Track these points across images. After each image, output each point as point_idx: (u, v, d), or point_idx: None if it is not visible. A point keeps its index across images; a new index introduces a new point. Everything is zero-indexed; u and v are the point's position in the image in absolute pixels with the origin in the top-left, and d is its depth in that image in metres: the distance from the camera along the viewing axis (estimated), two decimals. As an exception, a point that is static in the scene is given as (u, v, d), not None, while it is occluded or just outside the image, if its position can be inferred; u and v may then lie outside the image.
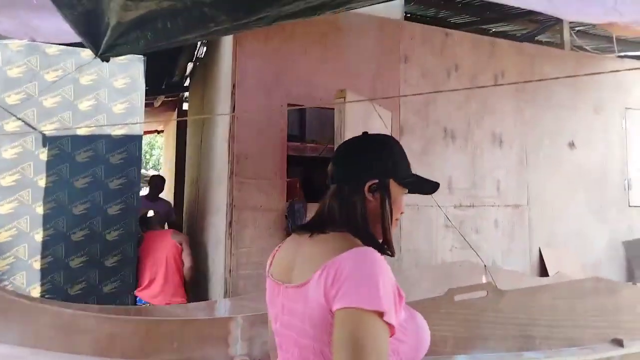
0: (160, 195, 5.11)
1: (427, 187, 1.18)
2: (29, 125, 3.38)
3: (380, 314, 0.89)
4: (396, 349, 0.99)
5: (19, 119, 3.35)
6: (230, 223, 3.61)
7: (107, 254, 3.61)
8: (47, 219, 3.45)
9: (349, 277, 0.91)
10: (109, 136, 3.67)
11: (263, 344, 1.91)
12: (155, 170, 16.33)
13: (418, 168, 4.50)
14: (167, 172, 8.92)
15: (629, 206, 5.34)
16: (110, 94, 3.67)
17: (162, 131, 10.04)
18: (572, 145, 5.08)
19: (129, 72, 3.73)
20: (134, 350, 1.77)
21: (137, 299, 3.59)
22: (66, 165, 3.55)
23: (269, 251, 3.82)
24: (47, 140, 3.46)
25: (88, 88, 3.63)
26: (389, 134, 3.98)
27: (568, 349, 2.24)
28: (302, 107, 3.92)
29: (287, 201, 3.87)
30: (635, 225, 5.33)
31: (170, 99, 7.05)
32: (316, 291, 0.95)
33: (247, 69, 3.70)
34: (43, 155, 3.47)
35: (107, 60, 1.61)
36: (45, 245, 3.44)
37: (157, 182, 5.05)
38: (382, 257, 0.98)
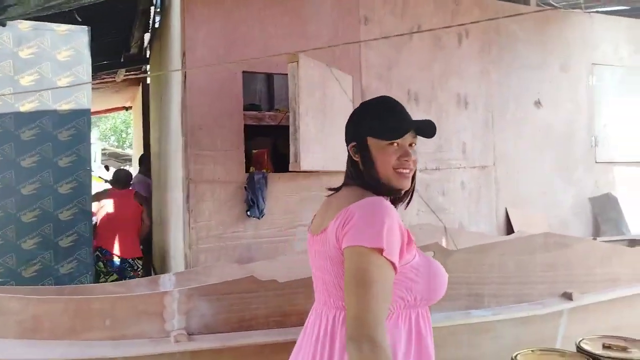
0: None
1: (421, 128, 1.30)
2: (-36, 103, 3.21)
3: (380, 251, 1.08)
4: (410, 287, 1.17)
5: (-47, 96, 3.18)
6: (188, 197, 3.52)
7: (61, 233, 3.50)
8: (-7, 201, 3.32)
9: (356, 221, 1.12)
10: (55, 112, 3.51)
11: (201, 317, 1.86)
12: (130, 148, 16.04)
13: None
14: (137, 149, 8.73)
15: (596, 162, 5.36)
16: (54, 67, 3.49)
17: (130, 107, 9.78)
18: (538, 104, 5.04)
19: (72, 43, 3.54)
20: (63, 330, 1.70)
21: (100, 248, 4.17)
22: (10, 145, 3.39)
23: (230, 224, 3.85)
24: (-14, 119, 3.30)
25: (29, 62, 3.44)
26: (350, 98, 3.89)
27: (517, 306, 2.24)
28: (257, 73, 3.78)
29: (247, 172, 3.78)
30: (601, 181, 5.37)
31: (132, 73, 6.80)
32: (332, 234, 1.17)
33: (197, 36, 3.54)
34: (-16, 134, 3.31)
35: (4, 25, 1.48)
36: (-6, 227, 3.32)
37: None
38: (389, 204, 1.19)
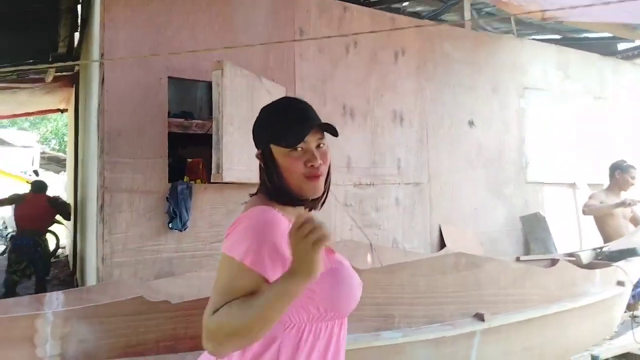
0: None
1: (328, 129, 1.20)
2: None
3: (240, 262, 1.06)
4: (311, 297, 1.11)
5: None
6: (102, 207, 3.29)
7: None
8: None
9: (236, 230, 1.10)
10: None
11: (80, 342, 1.68)
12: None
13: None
14: (71, 153, 8.27)
15: (527, 182, 5.55)
16: (-45, 62, 3.18)
17: (65, 110, 9.27)
18: (471, 123, 5.16)
19: (-23, 37, 3.25)
20: None
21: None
22: None
23: (149, 236, 3.55)
24: None
25: None
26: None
27: (428, 327, 2.19)
28: (182, 79, 3.63)
29: (176, 181, 3.60)
30: (531, 201, 5.55)
31: (63, 73, 6.43)
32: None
33: (117, 39, 3.35)
34: None
35: None
36: None
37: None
38: (274, 213, 1.13)
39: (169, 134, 3.61)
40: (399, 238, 4.62)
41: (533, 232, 5.41)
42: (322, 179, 1.20)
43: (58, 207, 5.38)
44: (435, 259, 2.36)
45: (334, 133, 1.21)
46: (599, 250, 3.55)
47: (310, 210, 1.26)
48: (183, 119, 3.74)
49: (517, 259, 3.54)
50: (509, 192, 5.41)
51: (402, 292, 2.13)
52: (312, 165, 1.16)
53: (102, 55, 3.28)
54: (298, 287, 1.00)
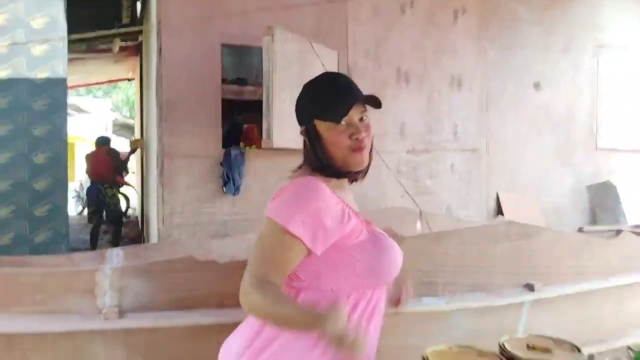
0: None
1: (371, 102, 1.22)
2: None
3: (287, 231, 1.08)
4: (352, 265, 1.14)
5: None
6: (162, 171, 3.47)
7: (36, 202, 3.50)
8: (-33, 169, 3.31)
9: (281, 197, 1.12)
10: (30, 80, 3.45)
11: (135, 295, 1.81)
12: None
13: (369, 112, 4.27)
14: (137, 118, 8.72)
15: (597, 149, 5.17)
16: (28, 34, 3.42)
17: (132, 79, 9.73)
18: (537, 86, 4.85)
19: (46, 10, 3.46)
20: (-9, 302, 1.68)
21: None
22: (-16, 112, 3.37)
23: (205, 199, 3.69)
24: (-42, 85, 3.27)
25: (1, 29, 3.37)
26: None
27: (472, 294, 2.15)
28: (236, 45, 3.67)
29: (230, 147, 3.71)
30: (601, 168, 5.18)
31: (128, 43, 6.71)
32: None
33: (172, 6, 3.43)
34: (-44, 101, 3.29)
35: None
36: (-32, 196, 3.32)
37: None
38: (319, 184, 1.14)
39: (224, 100, 3.70)
40: (453, 206, 4.51)
41: (601, 202, 5.08)
42: (367, 151, 1.21)
43: (113, 156, 5.80)
44: (484, 227, 2.28)
45: (378, 105, 1.21)
46: (674, 222, 3.28)
47: (353, 182, 1.27)
48: (236, 86, 3.80)
49: (580, 230, 3.33)
50: (577, 160, 5.08)
51: (446, 260, 2.10)
52: (356, 138, 1.18)
53: (158, 22, 3.38)
54: (314, 332, 1.00)
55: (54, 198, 3.53)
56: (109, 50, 6.85)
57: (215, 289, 1.87)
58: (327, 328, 0.96)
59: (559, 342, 1.31)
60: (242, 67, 4.57)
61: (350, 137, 1.18)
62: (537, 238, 2.26)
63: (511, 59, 4.69)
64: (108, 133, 14.03)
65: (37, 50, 3.44)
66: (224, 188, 3.60)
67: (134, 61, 8.03)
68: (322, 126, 1.19)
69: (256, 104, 4.08)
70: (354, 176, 1.25)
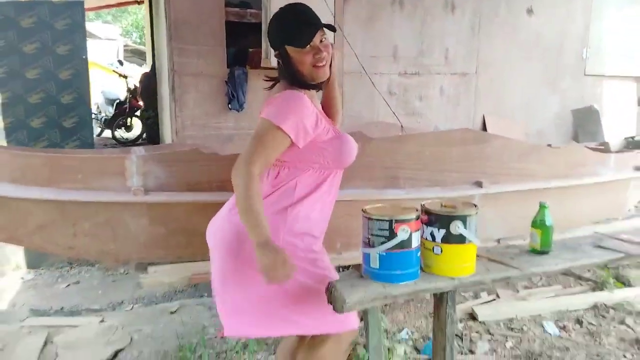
0: None
1: (329, 28, 1.50)
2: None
3: (279, 128, 1.40)
4: (322, 153, 1.52)
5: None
6: (173, 88, 3.88)
7: (64, 115, 3.96)
8: (2, 83, 3.75)
9: (273, 103, 1.44)
10: (50, 2, 3.79)
11: (156, 178, 2.31)
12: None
13: (363, 36, 4.55)
14: (148, 43, 8.94)
15: (585, 75, 5.41)
16: (47, -42, 3.71)
17: (142, 2, 9.81)
18: (530, 11, 5.01)
19: None
20: (43, 179, 2.18)
21: None
22: (13, 32, 3.74)
23: (212, 114, 4.31)
24: (-11, 6, 3.63)
25: (22, -48, 3.66)
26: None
27: (430, 188, 2.61)
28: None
29: (229, 68, 4.07)
30: (588, 94, 5.45)
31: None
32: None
33: None
34: (-12, 21, 3.66)
35: None
36: (6, 107, 3.79)
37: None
38: (302, 96, 1.47)
39: (230, 23, 4.00)
40: (440, 126, 4.88)
41: (584, 125, 5.41)
42: (327, 65, 1.55)
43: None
44: (442, 132, 2.69)
45: (333, 30, 1.55)
46: (631, 139, 3.65)
47: (319, 90, 1.61)
48: (239, 9, 4.08)
49: (548, 145, 3.73)
50: (565, 85, 5.34)
51: (407, 159, 2.53)
52: (319, 57, 1.50)
53: (165, -53, 3.63)
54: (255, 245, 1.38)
55: (79, 111, 3.99)
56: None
57: (217, 176, 2.36)
58: (259, 257, 1.35)
59: (466, 204, 1.76)
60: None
61: (313, 56, 1.48)
62: (488, 144, 2.68)
63: (505, -16, 4.84)
64: (120, 57, 14.21)
65: (56, -28, 3.74)
66: (229, 105, 4.02)
67: (142, -17, 8.13)
68: (291, 50, 1.48)
69: (259, 27, 4.36)
70: (319, 87, 1.57)
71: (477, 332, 2.74)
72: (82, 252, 2.28)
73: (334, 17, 4.02)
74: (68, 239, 2.25)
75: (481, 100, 5.02)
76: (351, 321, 1.68)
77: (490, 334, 2.73)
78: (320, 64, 1.50)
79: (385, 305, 3.05)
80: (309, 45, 1.48)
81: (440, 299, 1.75)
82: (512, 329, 2.79)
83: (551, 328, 2.78)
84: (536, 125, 5.28)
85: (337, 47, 4.10)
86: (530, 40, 5.06)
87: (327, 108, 1.71)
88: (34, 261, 4.02)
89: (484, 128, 5.06)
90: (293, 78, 1.52)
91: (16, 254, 4.01)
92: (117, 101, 8.69)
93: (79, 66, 3.93)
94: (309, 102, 1.49)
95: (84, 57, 3.94)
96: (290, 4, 1.65)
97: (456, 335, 2.69)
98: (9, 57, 3.75)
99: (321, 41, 1.50)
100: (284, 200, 1.54)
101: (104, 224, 2.26)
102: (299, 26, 1.50)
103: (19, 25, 3.73)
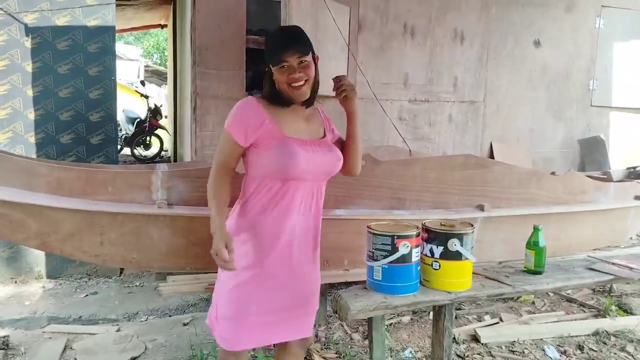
0: None
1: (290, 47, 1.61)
2: (9, 14, 3.82)
3: (225, 128, 1.63)
4: (261, 160, 1.62)
5: (1, 9, 3.79)
6: (194, 109, 4.11)
7: (92, 132, 4.21)
8: (36, 101, 4.02)
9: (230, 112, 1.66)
10: (85, 27, 4.07)
11: (179, 192, 2.50)
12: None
13: (375, 64, 4.78)
14: (170, 65, 9.31)
15: (591, 105, 5.56)
16: (83, -14, 4.01)
17: (165, 26, 10.25)
18: (537, 43, 5.21)
19: (98, -35, 4.02)
20: (78, 191, 2.38)
21: None
22: (49, 53, 4.02)
23: None
24: (29, 30, 3.91)
25: (62, -20, 3.97)
26: (339, 28, 4.20)
27: (434, 210, 2.77)
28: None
29: (247, 91, 4.31)
30: (594, 124, 5.59)
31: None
32: None
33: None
34: (27, 42, 3.94)
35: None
36: (38, 123, 4.05)
37: None
38: (248, 100, 1.65)
39: (248, 49, 4.25)
40: (449, 152, 5.05)
41: (590, 155, 5.53)
42: (306, 87, 1.62)
43: None
44: (445, 157, 2.85)
45: (305, 52, 1.60)
46: (633, 169, 3.77)
47: (307, 107, 1.72)
48: (259, 36, 4.34)
49: (552, 173, 3.87)
50: (571, 115, 5.49)
51: (413, 182, 2.70)
52: (292, 76, 1.58)
53: (192, -21, 3.92)
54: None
55: (106, 129, 4.23)
56: (144, -3, 7.38)
57: (233, 191, 2.54)
58: (214, 244, 1.54)
59: (463, 223, 1.91)
60: (265, 19, 5.07)
61: (288, 75, 1.59)
62: (490, 169, 2.83)
63: (513, 16, 5.04)
64: (140, 78, 14.72)
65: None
66: (246, 126, 4.22)
67: (167, 9, 8.52)
68: (273, 70, 1.62)
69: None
70: (304, 104, 1.67)
71: (478, 354, 2.84)
72: (107, 260, 2.46)
73: (348, 46, 4.25)
74: (95, 247, 2.43)
75: (488, 128, 5.19)
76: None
77: (491, 355, 2.83)
78: (295, 84, 1.59)
79: (390, 324, 3.18)
80: (285, 65, 1.58)
81: (438, 313, 1.89)
82: (513, 352, 2.88)
83: (552, 352, 2.86)
84: (543, 153, 5.41)
85: (351, 74, 4.34)
86: (537, 71, 5.24)
87: (345, 158, 1.77)
88: (55, 271, 4.22)
89: (491, 155, 5.21)
90: (270, 94, 1.65)
91: (38, 264, 4.22)
92: (138, 120, 9.03)
93: (108, 86, 4.18)
94: (254, 107, 1.62)
95: (112, 78, 4.20)
96: (279, 27, 1.81)
97: (458, 356, 2.79)
98: (44, 77, 4.02)
99: (300, 63, 1.59)
100: (241, 200, 1.73)
101: (129, 234, 2.45)
102: (275, 46, 1.62)
103: (55, 48, 4.01)
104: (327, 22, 4.03)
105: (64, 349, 2.96)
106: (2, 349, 2.88)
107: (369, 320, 1.91)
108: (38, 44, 3.98)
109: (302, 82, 1.61)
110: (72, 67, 4.08)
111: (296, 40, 1.63)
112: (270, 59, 1.63)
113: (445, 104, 4.97)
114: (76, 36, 4.06)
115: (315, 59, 1.68)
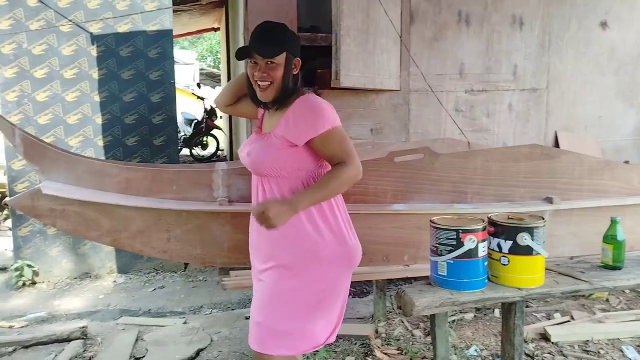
0: None
1: (258, 51, 1.60)
2: (78, 25, 4.05)
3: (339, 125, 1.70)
4: None
5: (70, 20, 4.02)
6: (249, 107, 4.18)
7: (155, 134, 4.39)
8: (103, 106, 4.25)
9: (300, 115, 1.67)
10: (144, 33, 4.25)
11: (238, 190, 2.55)
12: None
13: (428, 55, 4.68)
14: (223, 67, 9.56)
15: (667, 89, 5.14)
16: (143, -7, 4.19)
17: (218, 29, 10.53)
18: (604, 25, 4.88)
19: (156, -27, 4.18)
20: (145, 190, 2.49)
21: None
22: (113, 60, 4.24)
23: None
24: (94, 39, 4.14)
25: (123, -11, 4.17)
26: (391, 20, 4.11)
27: (498, 203, 2.66)
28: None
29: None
30: (670, 109, 5.17)
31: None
32: None
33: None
34: (93, 51, 4.17)
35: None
36: (105, 127, 4.28)
37: None
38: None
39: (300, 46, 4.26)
40: (509, 143, 4.83)
41: (667, 142, 5.12)
42: (270, 90, 1.60)
43: None
44: (508, 148, 2.73)
45: (265, 55, 1.59)
46: None
47: (277, 109, 1.70)
48: (310, 33, 4.34)
49: (625, 162, 3.62)
50: (643, 99, 5.10)
51: (474, 174, 2.60)
52: (255, 74, 1.60)
53: (245, -19, 3.98)
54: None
55: (167, 131, 4.41)
56: (198, 1, 7.61)
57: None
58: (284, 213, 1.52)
59: (532, 216, 1.82)
60: (314, 15, 5.06)
61: (253, 74, 1.60)
62: (558, 159, 2.68)
63: (576, -3, 4.75)
64: (196, 81, 15.25)
65: (149, 6, 4.20)
66: (300, 123, 4.25)
67: (220, 12, 8.75)
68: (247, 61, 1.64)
69: (327, 49, 4.61)
70: (269, 106, 1.67)
71: (549, 354, 2.72)
72: (174, 255, 2.55)
73: (401, 37, 4.17)
74: (162, 243, 2.53)
75: (552, 116, 4.92)
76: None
77: (563, 355, 2.70)
78: (259, 82, 1.60)
79: (453, 321, 3.10)
80: (253, 62, 1.60)
81: (508, 310, 1.82)
82: (587, 352, 2.73)
83: (632, 353, 2.69)
84: (613, 141, 5.07)
85: (404, 67, 4.26)
86: (605, 55, 4.91)
87: None
88: (125, 267, 4.46)
89: (556, 144, 4.94)
90: (248, 89, 1.70)
91: (110, 260, 4.47)
92: (195, 121, 9.35)
93: (168, 90, 4.35)
94: (260, 112, 1.80)
95: (172, 81, 4.36)
96: (262, 22, 1.70)
97: (527, 355, 2.68)
98: (109, 83, 4.23)
99: (267, 63, 1.59)
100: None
101: (193, 230, 2.53)
102: (250, 40, 1.62)
103: (118, 55, 4.22)
104: (378, 15, 3.98)
105: (136, 339, 3.12)
106: (82, 338, 3.08)
107: (432, 317, 1.87)
108: (103, 52, 4.20)
109: (266, 83, 1.60)
110: (135, 72, 4.27)
111: (266, 41, 1.59)
112: (244, 52, 1.62)
113: (505, 92, 4.77)
114: (137, 42, 4.25)
115: (293, 62, 1.64)
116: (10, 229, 4.82)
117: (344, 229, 1.63)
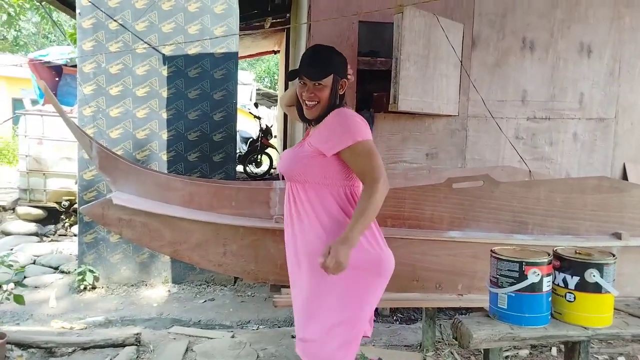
0: None
1: (304, 73, 1.73)
2: (153, 47, 4.33)
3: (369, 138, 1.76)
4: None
5: (145, 42, 4.31)
6: (306, 128, 4.26)
7: (214, 151, 4.57)
8: (169, 123, 4.48)
9: (329, 131, 1.75)
10: (212, 55, 4.47)
11: (294, 208, 2.60)
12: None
13: (490, 81, 4.63)
14: (281, 89, 9.84)
15: None
16: (212, 19, 4.42)
17: (278, 51, 10.89)
18: (682, 53, 4.61)
19: (226, -1, 4.41)
20: (206, 204, 2.59)
21: None
22: (181, 80, 4.47)
23: None
24: (166, 60, 4.40)
25: (195, 14, 4.42)
26: (452, 45, 4.08)
27: (561, 236, 2.55)
28: (373, 22, 4.25)
29: (358, 111, 4.37)
30: None
31: (277, 19, 7.68)
32: None
33: (320, -9, 4.12)
34: (164, 71, 4.43)
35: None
36: (170, 142, 4.50)
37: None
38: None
39: (358, 70, 4.33)
40: (573, 173, 4.63)
41: None
42: (316, 109, 1.74)
43: None
44: (575, 179, 2.61)
45: (312, 78, 1.71)
46: None
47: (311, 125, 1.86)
48: (370, 57, 4.40)
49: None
50: None
51: (537, 205, 2.50)
52: (304, 94, 1.73)
53: (309, 5, 4.11)
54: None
55: (226, 148, 4.57)
56: (261, 26, 7.92)
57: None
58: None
59: (602, 252, 1.72)
60: (374, 41, 5.13)
61: (301, 92, 1.74)
62: (628, 193, 2.54)
63: (651, 25, 4.54)
64: (253, 100, 15.73)
65: (218, 31, 4.43)
66: (355, 145, 4.28)
67: (280, 36, 9.06)
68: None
69: (384, 73, 4.65)
70: (309, 121, 1.81)
71: (612, 398, 2.54)
72: (228, 269, 2.62)
73: (461, 62, 4.14)
74: (219, 256, 2.61)
75: (621, 147, 4.67)
76: None
77: (629, 401, 2.51)
78: (307, 101, 1.72)
79: (507, 357, 2.96)
80: (302, 82, 1.72)
81: (572, 349, 1.72)
82: (654, 400, 2.52)
83: None
84: (689, 176, 4.73)
85: (463, 92, 4.21)
86: (682, 84, 4.63)
87: None
88: (178, 277, 4.62)
89: (625, 176, 4.67)
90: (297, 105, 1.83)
91: (166, 270, 4.64)
92: (250, 139, 9.62)
93: (230, 109, 4.53)
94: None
95: (234, 101, 4.54)
96: (313, 45, 1.87)
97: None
98: (176, 102, 4.47)
99: (315, 85, 1.70)
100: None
101: (249, 246, 2.59)
102: (301, 62, 1.76)
103: (187, 75, 4.45)
104: (439, 40, 3.97)
105: (186, 350, 3.20)
106: (136, 344, 3.19)
107: (486, 351, 1.80)
108: (173, 72, 4.45)
109: (313, 102, 1.73)
110: (200, 92, 4.49)
111: (315, 64, 1.73)
112: (294, 74, 1.76)
113: (570, 121, 4.59)
114: (204, 64, 4.47)
115: (340, 83, 1.75)
116: (75, 235, 5.13)
117: (376, 234, 1.75)
